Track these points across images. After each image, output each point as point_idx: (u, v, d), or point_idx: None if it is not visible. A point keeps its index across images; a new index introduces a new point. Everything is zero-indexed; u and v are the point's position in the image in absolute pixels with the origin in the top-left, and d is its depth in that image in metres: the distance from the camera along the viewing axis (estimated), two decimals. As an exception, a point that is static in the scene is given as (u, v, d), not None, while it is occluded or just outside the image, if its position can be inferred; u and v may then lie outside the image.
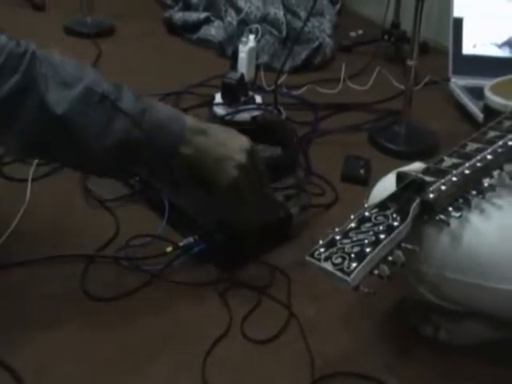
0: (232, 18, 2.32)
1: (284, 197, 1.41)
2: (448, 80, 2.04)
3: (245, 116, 1.72)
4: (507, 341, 1.03)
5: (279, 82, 1.87)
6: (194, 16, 2.38)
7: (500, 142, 1.03)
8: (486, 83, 1.57)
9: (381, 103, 1.91)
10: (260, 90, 1.90)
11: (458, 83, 2.01)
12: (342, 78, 2.05)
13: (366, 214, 0.87)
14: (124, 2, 2.58)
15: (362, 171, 1.55)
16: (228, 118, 1.70)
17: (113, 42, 2.29)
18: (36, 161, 1.45)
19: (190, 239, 1.25)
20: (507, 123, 1.09)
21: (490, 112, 1.31)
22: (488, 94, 1.36)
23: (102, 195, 1.41)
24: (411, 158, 1.14)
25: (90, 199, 1.41)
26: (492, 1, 2.10)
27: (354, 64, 2.17)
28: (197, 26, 2.36)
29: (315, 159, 1.61)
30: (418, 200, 0.89)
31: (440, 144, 1.69)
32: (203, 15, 2.37)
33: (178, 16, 2.40)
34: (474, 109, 1.83)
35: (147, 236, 1.28)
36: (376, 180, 1.08)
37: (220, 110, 1.75)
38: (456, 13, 2.10)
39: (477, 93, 1.78)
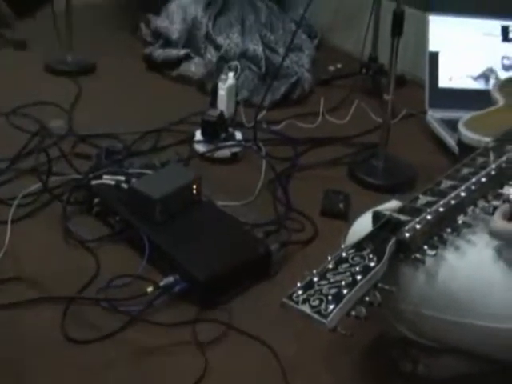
0: (211, 54, 2.35)
1: (264, 233, 1.43)
2: (425, 113, 2.07)
3: (225, 153, 1.74)
4: (484, 374, 1.04)
5: (259, 117, 1.89)
6: (173, 53, 2.40)
7: (473, 179, 1.05)
8: (463, 115, 1.60)
9: (359, 137, 1.93)
10: (240, 125, 1.92)
11: (434, 116, 2.04)
12: (320, 111, 2.08)
13: (343, 254, 0.88)
14: (104, 40, 2.60)
15: (341, 206, 1.57)
16: (208, 155, 1.71)
17: (93, 80, 2.30)
18: (16, 202, 1.45)
19: (171, 278, 1.26)
20: (480, 160, 1.11)
21: (464, 147, 1.34)
22: (462, 129, 1.38)
23: (83, 236, 1.41)
24: (390, 192, 1.17)
25: (70, 240, 1.41)
26: (467, 34, 2.14)
27: (333, 98, 2.20)
28: (177, 62, 2.38)
29: (295, 194, 1.63)
30: (393, 239, 0.90)
31: (418, 177, 1.72)
32: (183, 52, 2.39)
33: (158, 53, 2.42)
34: (451, 141, 1.86)
35: (128, 276, 1.28)
36: (356, 214, 1.09)
37: (200, 147, 1.77)
38: (432, 47, 2.14)
39: (453, 125, 1.81)
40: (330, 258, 0.87)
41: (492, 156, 1.09)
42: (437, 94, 2.09)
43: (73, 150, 1.75)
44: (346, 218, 1.53)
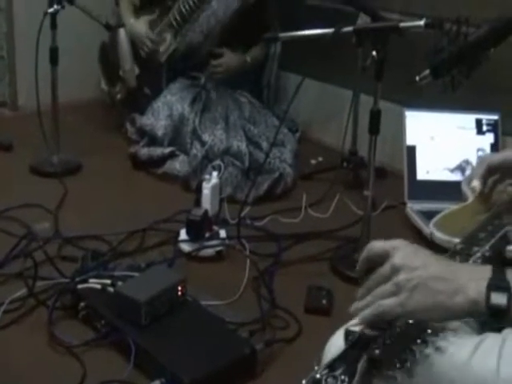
0: (197, 150, 2.41)
1: (249, 332, 1.44)
2: (404, 204, 2.13)
3: (209, 252, 1.76)
4: None
5: (243, 214, 1.93)
6: (158, 151, 2.47)
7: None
8: (441, 207, 1.65)
9: (341, 231, 1.97)
10: (224, 222, 1.96)
11: (413, 208, 2.10)
12: (303, 206, 2.13)
13: (317, 376, 0.89)
14: (90, 139, 2.67)
15: (324, 302, 1.59)
16: (193, 254, 1.74)
17: (79, 180, 2.34)
18: (2, 309, 1.46)
19: (157, 383, 1.26)
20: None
21: (437, 247, 1.37)
22: (433, 230, 1.41)
23: (69, 341, 1.41)
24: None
25: (56, 346, 1.41)
26: (442, 128, 2.23)
27: (315, 191, 2.25)
28: (162, 160, 2.44)
29: (279, 291, 1.65)
30: (364, 357, 0.92)
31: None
32: (168, 150, 2.46)
33: (143, 151, 2.48)
34: (429, 233, 1.90)
35: (114, 382, 1.28)
36: (339, 310, 1.11)
37: (185, 247, 1.80)
38: (409, 141, 2.22)
39: (432, 216, 1.85)
40: (304, 381, 0.88)
41: (458, 260, 1.12)
42: (415, 186, 2.16)
43: (59, 253, 1.77)
44: (330, 313, 1.55)
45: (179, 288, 1.49)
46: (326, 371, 0.88)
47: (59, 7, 2.27)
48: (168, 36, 2.71)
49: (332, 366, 0.89)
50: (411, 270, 0.90)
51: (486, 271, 0.88)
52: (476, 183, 1.44)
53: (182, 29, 2.70)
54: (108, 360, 1.38)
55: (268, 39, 2.41)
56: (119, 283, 1.50)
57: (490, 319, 0.86)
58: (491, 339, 1.01)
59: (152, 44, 2.70)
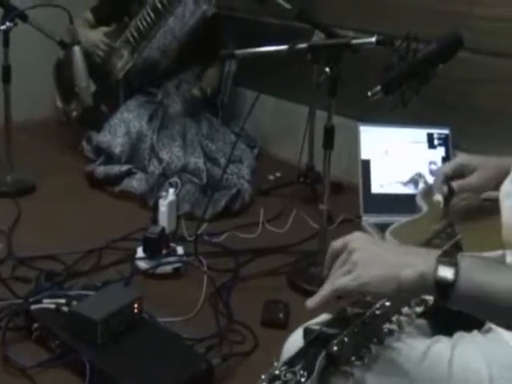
0: (155, 167, 2.41)
1: (205, 348, 1.44)
2: (360, 218, 2.16)
3: (167, 268, 1.76)
4: None
5: (200, 230, 1.94)
6: (115, 169, 2.46)
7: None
8: (395, 219, 1.68)
9: (298, 245, 1.99)
10: (182, 239, 1.96)
11: (369, 221, 2.13)
12: (260, 221, 2.14)
13: (276, 372, 0.90)
14: (45, 158, 2.64)
15: (281, 315, 1.60)
16: (150, 271, 1.74)
17: (34, 200, 2.31)
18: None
19: (113, 402, 1.25)
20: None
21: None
22: (389, 237, 1.44)
23: (23, 362, 1.39)
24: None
25: (9, 368, 1.39)
26: (396, 143, 2.27)
27: (273, 207, 2.27)
28: (119, 178, 2.43)
29: (236, 306, 1.66)
30: (323, 354, 0.93)
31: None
32: (125, 168, 2.45)
33: (100, 170, 2.47)
34: (386, 246, 1.93)
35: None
36: (296, 323, 1.12)
37: (142, 264, 1.79)
38: (363, 155, 2.25)
39: (386, 229, 1.89)
40: (263, 376, 0.89)
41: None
42: (370, 199, 2.19)
43: (12, 274, 1.75)
44: (286, 327, 1.56)
45: (136, 306, 1.49)
46: (284, 367, 0.89)
47: (12, 24, 2.26)
48: (125, 52, 2.72)
49: (291, 362, 0.91)
50: (366, 249, 0.93)
51: (437, 252, 0.90)
52: (438, 197, 1.48)
53: (139, 45, 2.70)
54: (63, 381, 1.37)
55: (224, 56, 2.43)
56: (74, 303, 1.49)
57: (437, 295, 0.87)
58: (443, 342, 1.04)
59: (106, 48, 2.69)
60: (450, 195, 1.46)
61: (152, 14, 2.62)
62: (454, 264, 0.85)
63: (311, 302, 0.95)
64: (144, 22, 2.64)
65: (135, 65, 2.73)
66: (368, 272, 0.90)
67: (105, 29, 2.74)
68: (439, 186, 1.44)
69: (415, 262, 0.88)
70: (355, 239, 0.96)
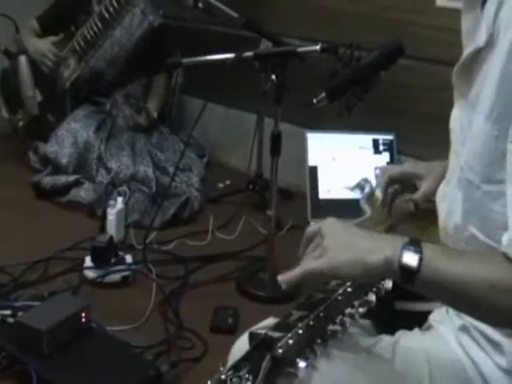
0: (103, 177, 2.40)
1: (154, 355, 1.44)
2: (308, 223, 2.19)
3: (115, 277, 1.76)
4: None
5: (149, 238, 1.94)
6: (62, 179, 2.43)
7: (340, 290, 1.12)
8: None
9: (247, 251, 2.01)
10: (131, 248, 1.95)
11: (317, 226, 2.15)
12: (210, 229, 2.15)
13: (222, 376, 0.91)
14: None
15: (230, 321, 1.61)
16: (98, 280, 1.73)
17: (-20, 212, 2.28)
18: None
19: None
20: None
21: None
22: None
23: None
24: (278, 303, 1.21)
25: (-47, 381, 1.37)
26: (342, 149, 2.32)
27: (222, 214, 2.28)
28: (66, 189, 2.41)
29: (186, 313, 1.66)
30: (268, 357, 0.95)
31: (303, 287, 1.79)
32: (72, 178, 2.43)
33: (47, 180, 2.44)
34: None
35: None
36: (245, 328, 1.13)
37: (90, 274, 1.78)
38: (311, 162, 2.29)
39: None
40: (209, 382, 0.90)
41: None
42: (318, 205, 2.23)
43: (-44, 287, 1.72)
44: (235, 332, 1.57)
45: (83, 315, 1.48)
46: (231, 372, 0.91)
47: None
48: (72, 62, 2.70)
49: (237, 367, 0.92)
50: (337, 234, 0.96)
51: (405, 238, 0.94)
52: (378, 193, 1.52)
53: (86, 55, 2.69)
54: (10, 393, 1.35)
55: (171, 65, 2.43)
56: (20, 314, 1.47)
57: (402, 280, 0.90)
58: (385, 340, 1.08)
59: (55, 58, 2.66)
60: (392, 199, 1.51)
61: (99, 24, 2.61)
62: (418, 251, 0.89)
63: (283, 277, 0.97)
64: (91, 32, 2.63)
65: (82, 74, 2.71)
66: (338, 256, 0.93)
67: (53, 38, 2.71)
68: (382, 187, 1.48)
69: (382, 248, 0.92)
70: (327, 225, 0.99)
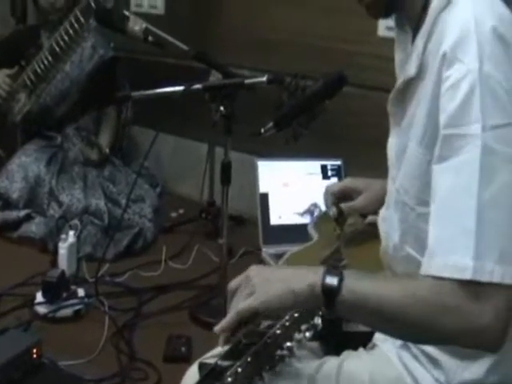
0: (54, 211, 2.39)
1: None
2: (260, 249, 2.22)
3: (67, 312, 1.75)
4: None
5: (102, 271, 1.94)
6: (13, 214, 2.42)
7: (287, 316, 1.15)
8: (293, 249, 1.75)
9: (200, 280, 2.03)
10: (83, 281, 1.95)
11: (268, 252, 2.19)
12: (163, 259, 2.16)
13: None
14: None
15: (183, 349, 1.63)
16: (50, 315, 1.72)
17: None
18: None
19: None
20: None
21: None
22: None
23: None
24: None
25: None
26: (292, 175, 2.36)
27: (175, 244, 2.30)
28: (17, 224, 2.39)
29: (139, 344, 1.67)
30: (217, 386, 0.97)
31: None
32: (23, 213, 2.42)
33: (-3, 215, 2.43)
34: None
35: None
36: (198, 356, 1.15)
37: (42, 309, 1.78)
38: (262, 189, 2.33)
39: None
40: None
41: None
42: (269, 231, 2.26)
43: None
44: (189, 360, 1.58)
45: (34, 351, 1.47)
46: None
47: None
48: (22, 95, 2.69)
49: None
50: (262, 273, 1.00)
51: (328, 266, 0.98)
52: (330, 212, 1.57)
53: (37, 88, 2.69)
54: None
55: (120, 98, 2.46)
56: (-30, 352, 1.46)
57: (325, 303, 0.94)
58: (331, 361, 1.11)
59: (9, 89, 2.65)
60: (339, 215, 1.56)
61: (50, 58, 2.61)
62: (338, 274, 0.94)
63: (218, 327, 1.00)
64: (41, 66, 2.63)
65: (32, 108, 2.71)
66: (266, 291, 0.97)
67: (7, 71, 2.71)
68: (329, 205, 1.53)
69: (306, 275, 0.97)
70: (252, 269, 1.03)
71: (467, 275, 0.88)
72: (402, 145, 1.10)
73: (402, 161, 1.11)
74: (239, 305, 0.98)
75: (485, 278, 0.88)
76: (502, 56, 0.93)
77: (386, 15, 1.13)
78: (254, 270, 1.03)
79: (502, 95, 0.92)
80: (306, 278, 0.97)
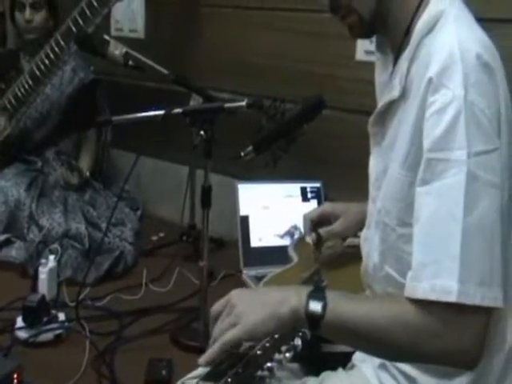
0: (35, 235, 2.39)
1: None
2: (241, 272, 2.23)
3: (48, 336, 1.75)
4: None
5: (83, 295, 1.94)
6: (-7, 239, 2.41)
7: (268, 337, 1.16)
8: (274, 271, 1.76)
9: (181, 302, 2.03)
10: (64, 305, 1.95)
11: (249, 274, 2.21)
12: (143, 282, 2.17)
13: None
14: None
15: (164, 372, 1.63)
16: (31, 340, 1.71)
17: None
18: None
19: None
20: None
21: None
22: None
23: None
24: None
25: None
26: (272, 198, 2.38)
27: (156, 267, 2.30)
28: (-3, 248, 2.40)
29: (120, 367, 1.67)
30: (199, 413, 0.98)
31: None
32: (3, 237, 2.41)
33: (-24, 243, 2.42)
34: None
35: None
36: (179, 379, 1.15)
37: (22, 334, 1.77)
38: (242, 211, 2.35)
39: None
40: None
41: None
42: (250, 253, 2.28)
43: None
44: (170, 383, 1.58)
45: (15, 376, 1.47)
46: None
47: None
48: (2, 119, 2.70)
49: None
50: (245, 300, 1.01)
51: (309, 288, 0.99)
52: (309, 239, 1.59)
53: (18, 112, 2.69)
54: None
55: (100, 123, 2.47)
56: (-51, 378, 1.45)
57: (309, 327, 0.96)
58: (311, 381, 1.12)
59: None
60: (318, 241, 1.58)
61: (30, 81, 2.62)
62: (322, 298, 0.96)
63: (203, 359, 1.01)
64: (22, 89, 2.64)
65: (13, 132, 2.71)
66: (250, 319, 0.98)
67: None
68: (308, 232, 1.56)
69: (289, 299, 0.98)
70: (234, 295, 1.04)
71: (453, 298, 0.91)
72: (383, 165, 1.12)
73: (382, 181, 1.13)
74: (224, 336, 0.99)
75: (468, 301, 0.91)
76: (485, 83, 0.96)
77: (368, 36, 1.16)
78: (235, 296, 1.04)
79: (485, 122, 0.95)
80: (289, 302, 0.98)
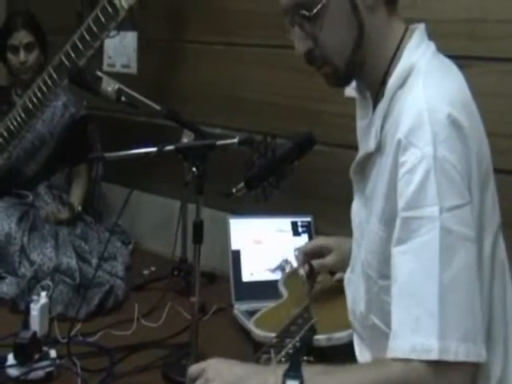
0: (26, 269, 2.38)
1: None
2: (232, 306, 2.24)
3: (39, 374, 1.74)
4: None
5: (74, 331, 1.94)
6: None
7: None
8: (265, 305, 1.79)
9: (172, 338, 2.03)
10: (55, 342, 1.95)
11: (240, 308, 2.22)
12: (135, 317, 2.17)
13: None
14: None
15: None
16: (22, 378, 1.71)
17: None
18: None
19: None
20: (264, 357, 1.26)
21: (256, 343, 1.49)
22: (252, 327, 1.53)
23: None
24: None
25: None
26: (262, 232, 2.41)
27: (147, 301, 2.30)
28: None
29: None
30: None
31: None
32: (-6, 273, 2.41)
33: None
34: (256, 333, 2.01)
35: None
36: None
37: (13, 371, 1.76)
38: (233, 246, 2.36)
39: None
40: None
41: (273, 353, 1.24)
42: (241, 287, 2.29)
43: None
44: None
45: (5, 415, 1.46)
46: None
47: None
48: (-7, 153, 2.71)
49: None
50: (220, 376, 1.01)
51: (286, 366, 1.00)
52: (302, 271, 1.61)
53: (9, 146, 2.71)
54: None
55: (92, 159, 2.48)
56: None
57: None
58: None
59: None
60: (311, 272, 1.60)
61: (23, 114, 2.64)
62: (298, 376, 0.97)
63: None
64: (15, 122, 2.66)
65: (3, 166, 2.73)
66: None
67: None
68: (300, 264, 1.58)
69: (266, 379, 1.00)
70: (211, 367, 1.05)
71: (434, 356, 0.92)
72: (366, 214, 1.14)
73: (365, 230, 1.14)
74: None
75: (451, 358, 0.91)
76: (455, 139, 0.98)
77: (345, 84, 1.19)
78: (213, 370, 1.05)
79: (456, 177, 0.96)
80: (266, 381, 1.00)
